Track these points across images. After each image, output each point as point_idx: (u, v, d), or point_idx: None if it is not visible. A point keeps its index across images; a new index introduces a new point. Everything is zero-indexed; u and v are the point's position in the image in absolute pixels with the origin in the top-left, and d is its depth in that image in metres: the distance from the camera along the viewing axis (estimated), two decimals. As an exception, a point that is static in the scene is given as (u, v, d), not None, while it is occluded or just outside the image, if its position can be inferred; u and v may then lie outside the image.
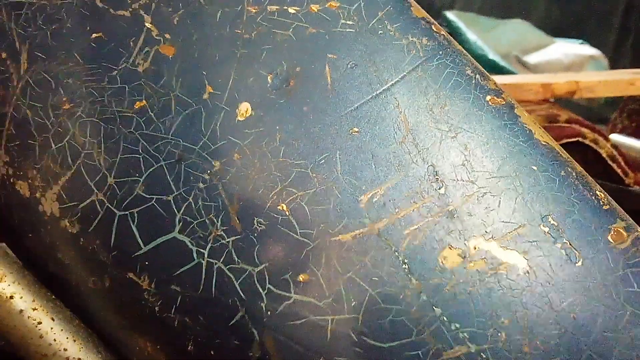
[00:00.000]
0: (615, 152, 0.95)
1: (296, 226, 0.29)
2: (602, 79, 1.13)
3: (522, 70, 2.22)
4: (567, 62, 2.27)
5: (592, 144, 0.97)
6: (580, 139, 0.97)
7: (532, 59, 2.30)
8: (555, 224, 0.28)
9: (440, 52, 0.31)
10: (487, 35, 2.33)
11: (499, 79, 1.34)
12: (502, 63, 2.13)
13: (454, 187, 0.29)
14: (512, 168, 0.29)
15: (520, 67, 2.24)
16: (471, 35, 2.25)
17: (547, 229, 0.28)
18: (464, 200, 0.28)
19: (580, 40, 2.48)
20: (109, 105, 0.31)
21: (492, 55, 2.16)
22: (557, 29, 2.65)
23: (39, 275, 0.34)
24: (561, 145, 1.04)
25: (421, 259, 0.28)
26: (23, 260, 0.35)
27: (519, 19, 2.62)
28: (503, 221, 0.28)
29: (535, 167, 0.29)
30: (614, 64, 2.40)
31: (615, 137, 1.14)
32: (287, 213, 0.29)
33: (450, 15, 2.38)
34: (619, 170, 0.95)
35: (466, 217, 0.28)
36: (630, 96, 1.34)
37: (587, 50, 2.34)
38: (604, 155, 0.95)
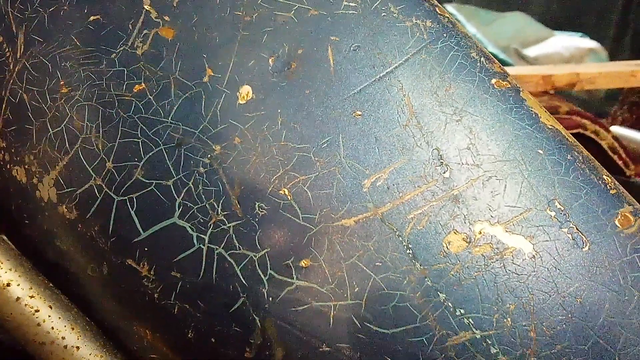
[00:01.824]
0: (616, 144, 0.95)
1: (298, 211, 0.28)
2: (602, 71, 1.13)
3: (521, 64, 2.21)
4: (567, 55, 2.26)
5: (593, 136, 0.96)
6: (581, 131, 0.96)
7: (531, 52, 2.29)
8: (562, 208, 0.28)
9: (445, 35, 0.31)
10: (486, 28, 2.32)
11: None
12: (502, 56, 2.12)
13: (458, 170, 0.28)
14: (518, 152, 0.29)
15: (519, 60, 2.24)
16: (471, 29, 2.24)
17: (553, 214, 0.28)
18: (469, 184, 0.28)
19: (580, 34, 2.48)
20: (108, 89, 0.30)
21: (491, 49, 2.15)
22: (556, 23, 2.65)
23: (36, 262, 0.34)
24: (562, 136, 1.02)
25: (425, 243, 0.27)
26: (20, 248, 0.34)
27: (518, 12, 2.62)
28: (509, 205, 0.28)
29: (541, 151, 0.29)
30: (613, 59, 2.40)
31: (616, 129, 1.14)
32: (289, 197, 0.28)
33: (450, 8, 2.37)
34: (620, 162, 0.95)
35: (471, 201, 0.28)
36: (630, 89, 1.34)
37: (587, 43, 2.34)
38: (605, 146, 0.95)
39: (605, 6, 2.88)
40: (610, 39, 2.77)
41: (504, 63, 2.09)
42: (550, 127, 0.29)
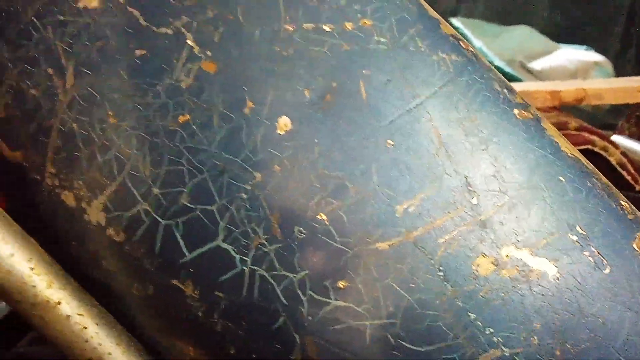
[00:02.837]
0: (625, 160, 0.97)
1: (335, 235, 0.30)
2: (609, 86, 1.15)
3: (527, 77, 2.24)
4: (572, 68, 2.28)
5: (602, 152, 0.98)
6: (590, 147, 0.98)
7: (537, 65, 2.31)
8: (583, 232, 0.30)
9: (469, 68, 0.33)
10: (492, 41, 2.34)
11: (508, 87, 1.36)
12: (508, 69, 2.14)
13: (485, 197, 0.30)
14: (541, 179, 0.30)
15: (525, 73, 2.26)
16: (476, 42, 2.26)
17: (575, 238, 0.30)
18: (496, 210, 0.30)
19: (585, 46, 2.50)
20: (154, 119, 0.32)
21: (497, 62, 2.17)
22: (560, 35, 2.67)
23: (81, 281, 0.36)
24: (571, 152, 1.03)
25: (456, 266, 0.29)
26: (66, 268, 0.36)
27: (523, 24, 2.64)
28: (533, 230, 0.30)
29: (562, 179, 0.31)
30: (617, 71, 2.42)
31: (620, 139, 1.16)
32: (326, 222, 0.30)
33: (456, 21, 2.39)
34: (628, 177, 0.96)
35: (498, 227, 0.30)
36: (637, 103, 1.36)
37: (592, 56, 2.35)
38: (614, 162, 0.96)
39: (609, 18, 2.90)
40: (614, 51, 2.79)
41: (509, 76, 2.12)
42: (570, 155, 0.31)
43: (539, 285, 0.29)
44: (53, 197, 0.35)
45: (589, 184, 0.31)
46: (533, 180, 0.30)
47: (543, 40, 2.46)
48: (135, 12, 0.34)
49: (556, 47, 2.42)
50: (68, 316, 0.34)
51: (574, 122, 1.03)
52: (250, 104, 0.32)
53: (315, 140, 0.31)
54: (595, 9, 2.93)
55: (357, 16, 0.33)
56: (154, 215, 0.32)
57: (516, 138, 0.31)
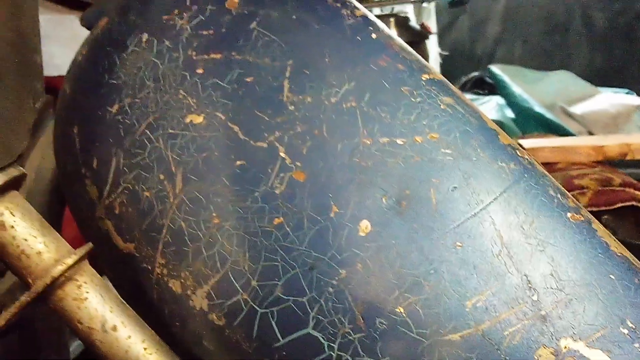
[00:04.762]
0: (670, 217, 0.99)
1: (412, 326, 0.35)
2: (653, 141, 1.17)
3: (568, 121, 2.25)
4: (614, 112, 2.29)
5: (646, 208, 1.00)
6: (635, 204, 1.00)
7: (577, 109, 2.33)
8: (633, 326, 0.34)
9: (526, 175, 0.37)
10: (532, 87, 2.38)
11: (550, 142, 1.39)
12: (549, 115, 2.17)
13: (544, 294, 0.34)
14: (593, 277, 0.35)
15: (566, 118, 2.28)
16: (516, 89, 2.31)
17: (626, 331, 0.33)
18: (554, 305, 0.34)
19: (626, 90, 2.51)
20: (252, 221, 0.38)
21: (538, 108, 2.20)
22: (600, 78, 2.68)
23: (183, 358, 0.41)
24: (615, 209, 1.08)
25: (520, 356, 0.33)
26: (170, 345, 0.41)
27: (562, 69, 2.67)
28: (588, 324, 0.34)
29: (613, 276, 0.35)
30: (661, 113, 2.41)
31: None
32: (404, 315, 0.35)
33: (495, 69, 2.44)
34: (675, 235, 0.98)
35: (557, 320, 0.34)
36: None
37: (634, 100, 2.36)
38: (659, 219, 0.98)
39: (650, 60, 2.90)
40: (656, 92, 2.78)
41: (550, 123, 2.14)
42: (619, 254, 0.35)
43: (595, 375, 0.33)
44: (161, 284, 0.41)
45: (636, 280, 0.35)
46: (586, 279, 0.35)
47: (583, 85, 2.49)
48: (235, 128, 0.40)
49: (597, 91, 2.44)
50: (176, 391, 0.39)
51: (617, 178, 1.05)
52: (335, 208, 0.37)
53: (393, 242, 0.36)
54: (636, 50, 2.94)
55: (426, 130, 0.38)
56: (252, 304, 0.37)
57: (570, 240, 0.36)
